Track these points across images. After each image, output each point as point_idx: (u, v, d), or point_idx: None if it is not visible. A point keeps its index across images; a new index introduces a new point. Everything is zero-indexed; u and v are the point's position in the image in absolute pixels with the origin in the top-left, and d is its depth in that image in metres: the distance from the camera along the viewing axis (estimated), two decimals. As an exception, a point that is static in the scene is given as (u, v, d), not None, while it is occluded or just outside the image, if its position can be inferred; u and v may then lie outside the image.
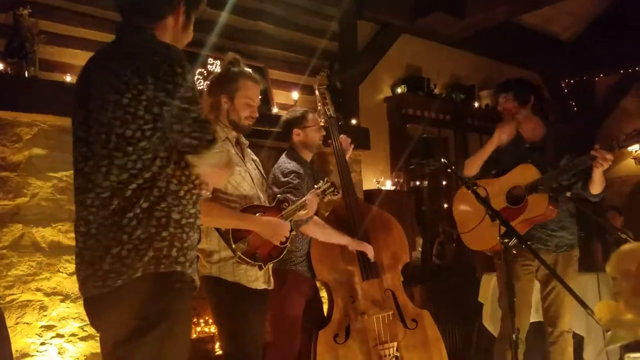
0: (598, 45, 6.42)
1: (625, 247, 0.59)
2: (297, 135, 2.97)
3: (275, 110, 4.09)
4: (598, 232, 4.95)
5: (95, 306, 1.54)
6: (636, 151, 6.78)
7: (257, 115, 2.49)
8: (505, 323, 3.02)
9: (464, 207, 3.19)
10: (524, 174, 2.93)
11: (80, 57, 3.42)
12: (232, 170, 1.81)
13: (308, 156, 3.01)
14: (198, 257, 2.35)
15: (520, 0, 4.95)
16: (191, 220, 1.58)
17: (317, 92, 3.14)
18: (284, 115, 3.13)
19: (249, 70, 2.57)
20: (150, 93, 1.47)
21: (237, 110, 2.42)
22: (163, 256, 1.49)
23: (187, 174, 1.55)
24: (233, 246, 2.25)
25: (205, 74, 3.81)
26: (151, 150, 1.49)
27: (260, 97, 2.54)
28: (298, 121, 2.98)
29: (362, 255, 2.92)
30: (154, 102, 1.48)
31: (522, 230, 2.91)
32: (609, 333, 0.54)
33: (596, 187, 2.89)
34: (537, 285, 3.20)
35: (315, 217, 2.76)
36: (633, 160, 6.84)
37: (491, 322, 4.04)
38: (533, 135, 3.12)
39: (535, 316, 3.73)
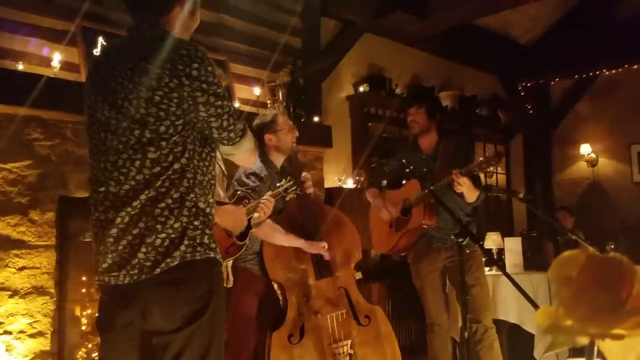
0: (555, 50, 6.60)
1: (566, 253, 0.61)
2: (270, 140, 2.93)
3: (237, 105, 4.05)
4: (549, 232, 5.11)
5: (130, 294, 1.55)
6: (588, 154, 7.03)
7: None
8: (433, 314, 3.37)
9: (373, 216, 3.62)
10: (412, 188, 3.33)
11: (33, 45, 3.31)
12: (256, 152, 1.89)
13: (280, 159, 2.97)
14: None
15: (479, 2, 5.05)
16: (212, 209, 1.65)
17: (266, 89, 3.11)
18: (255, 120, 3.08)
19: None
20: (183, 92, 1.52)
21: None
22: (198, 244, 1.56)
23: (207, 165, 1.62)
24: None
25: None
26: (181, 144, 1.55)
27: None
28: (268, 126, 2.94)
29: (315, 254, 2.92)
30: (185, 99, 1.53)
31: (413, 238, 3.37)
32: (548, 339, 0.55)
33: (468, 198, 3.20)
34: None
35: (269, 220, 2.73)
36: (585, 163, 7.09)
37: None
38: (428, 147, 3.46)
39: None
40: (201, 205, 1.58)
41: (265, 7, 4.47)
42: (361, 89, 5.24)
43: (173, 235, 1.52)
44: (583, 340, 0.58)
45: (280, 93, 3.12)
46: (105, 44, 3.49)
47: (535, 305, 2.04)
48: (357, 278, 3.25)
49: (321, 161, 4.68)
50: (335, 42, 5.05)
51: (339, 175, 4.95)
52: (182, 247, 1.53)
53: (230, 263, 2.42)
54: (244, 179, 2.77)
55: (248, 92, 4.32)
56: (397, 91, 5.50)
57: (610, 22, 6.41)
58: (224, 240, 2.33)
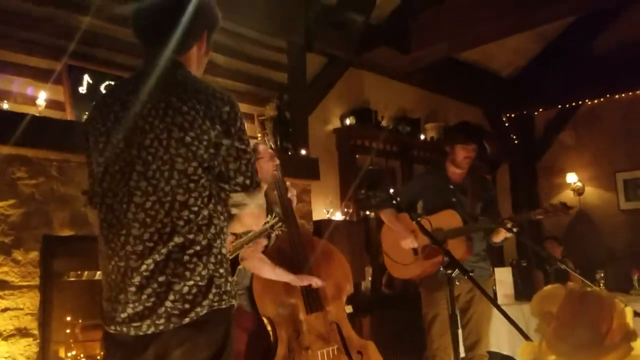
0: (537, 81, 6.74)
1: (547, 288, 0.61)
2: None
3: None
4: (539, 262, 5.11)
5: (149, 340, 1.49)
6: (575, 183, 7.09)
7: None
8: (430, 345, 3.29)
9: (389, 237, 3.50)
10: (449, 219, 3.25)
11: (19, 84, 3.32)
12: (264, 216, 1.81)
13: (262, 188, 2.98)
14: None
15: (460, 37, 5.16)
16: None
17: (256, 122, 3.12)
18: None
19: None
20: (213, 135, 1.51)
21: None
22: (223, 292, 1.54)
23: (222, 211, 1.59)
24: None
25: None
26: (208, 188, 1.54)
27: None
28: None
29: (306, 288, 2.89)
30: (213, 143, 1.52)
31: (434, 267, 3.28)
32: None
33: (498, 240, 3.31)
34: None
35: (259, 254, 2.71)
36: (572, 192, 7.14)
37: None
38: (458, 179, 3.41)
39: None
40: (224, 251, 1.57)
41: (251, 44, 4.54)
42: (348, 121, 5.29)
43: (201, 283, 1.49)
44: (566, 376, 0.57)
45: (269, 128, 3.15)
46: (90, 81, 3.50)
47: (527, 337, 2.02)
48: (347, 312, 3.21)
49: (309, 194, 4.68)
50: (321, 77, 5.12)
51: (327, 208, 4.95)
52: (210, 296, 1.49)
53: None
54: None
55: (235, 127, 4.34)
56: (384, 123, 5.55)
57: (590, 54, 6.57)
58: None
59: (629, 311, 0.61)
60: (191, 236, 1.49)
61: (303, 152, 4.60)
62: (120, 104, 1.58)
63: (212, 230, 1.53)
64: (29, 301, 3.04)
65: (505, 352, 3.76)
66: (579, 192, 7.08)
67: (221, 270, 1.53)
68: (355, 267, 3.66)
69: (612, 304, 0.57)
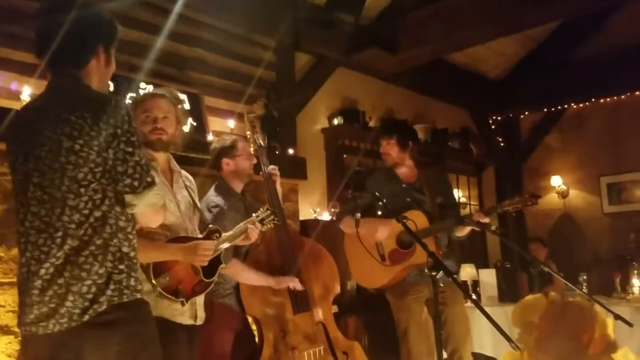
0: (524, 84, 6.78)
1: (528, 298, 0.61)
2: (227, 165, 2.92)
3: (210, 137, 4.04)
4: (523, 264, 5.15)
5: (61, 341, 1.59)
6: (559, 186, 7.16)
7: (161, 126, 2.34)
8: (407, 356, 3.19)
9: (353, 247, 3.31)
10: (415, 220, 3.04)
11: (3, 78, 3.28)
12: (164, 214, 1.89)
13: (239, 186, 2.96)
14: None
15: (447, 39, 5.19)
16: (136, 253, 1.73)
17: (246, 120, 3.10)
18: (214, 143, 3.08)
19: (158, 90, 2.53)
20: (102, 139, 1.60)
21: (140, 127, 2.30)
22: (124, 287, 1.63)
23: (125, 211, 1.69)
24: (153, 281, 2.15)
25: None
26: (100, 191, 1.62)
27: (180, 115, 2.46)
28: (227, 150, 2.92)
29: (292, 288, 2.88)
30: (104, 147, 1.60)
31: (404, 273, 3.17)
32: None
33: (461, 232, 3.24)
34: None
35: (234, 259, 2.69)
36: (556, 195, 7.21)
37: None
38: (409, 177, 3.35)
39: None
40: (125, 249, 1.66)
41: (239, 42, 4.52)
42: (335, 121, 5.29)
43: (99, 282, 1.59)
44: (548, 386, 0.58)
45: (259, 126, 3.13)
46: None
47: (510, 340, 2.03)
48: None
49: (296, 193, 4.67)
50: (309, 76, 5.11)
51: (315, 207, 4.94)
52: (109, 292, 1.59)
53: (199, 300, 2.36)
54: (206, 213, 2.74)
55: (222, 125, 4.32)
56: (371, 124, 5.56)
57: (576, 58, 6.64)
58: (191, 278, 2.26)
59: (610, 322, 0.62)
60: (85, 238, 1.59)
61: (291, 151, 4.59)
62: (24, 121, 1.72)
63: (108, 230, 1.63)
64: (11, 298, 3.00)
65: (488, 354, 3.79)
66: (564, 195, 7.15)
67: (121, 267, 1.63)
68: (342, 268, 3.65)
69: (594, 314, 0.58)
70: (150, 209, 1.72)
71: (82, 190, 1.60)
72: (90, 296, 1.57)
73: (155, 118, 2.34)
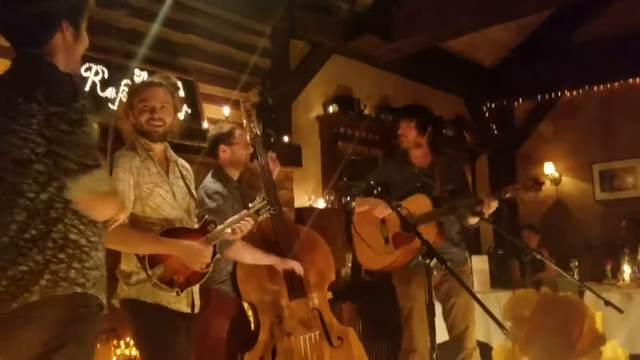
0: (518, 72, 6.80)
1: (519, 292, 0.64)
2: (224, 152, 2.92)
3: (205, 125, 4.04)
4: (515, 251, 5.20)
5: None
6: (552, 173, 7.20)
7: (157, 115, 2.35)
8: (408, 340, 3.21)
9: (360, 227, 3.35)
10: (418, 203, 3.12)
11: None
12: (116, 205, 1.74)
13: (235, 174, 2.97)
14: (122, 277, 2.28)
15: (442, 27, 5.19)
16: (94, 239, 1.60)
17: (242, 109, 3.10)
18: (211, 131, 3.08)
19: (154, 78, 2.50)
20: (42, 117, 1.49)
21: (137, 117, 2.34)
22: (61, 278, 1.50)
23: None
24: (149, 272, 2.17)
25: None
26: (46, 173, 1.51)
27: (185, 106, 2.49)
28: (224, 138, 2.92)
29: (288, 274, 2.91)
30: (45, 125, 1.50)
31: (408, 256, 3.17)
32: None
33: (474, 222, 3.20)
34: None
35: (239, 240, 2.71)
36: (549, 182, 7.26)
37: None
38: (422, 162, 3.33)
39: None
40: (72, 236, 1.54)
41: (234, 28, 4.50)
42: (330, 109, 5.29)
43: (35, 268, 1.48)
44: (538, 379, 0.60)
45: (255, 114, 3.12)
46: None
47: (502, 326, 2.07)
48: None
49: (291, 181, 4.68)
50: (305, 63, 5.10)
51: (309, 195, 4.96)
52: (43, 282, 1.48)
53: (195, 289, 2.38)
54: (206, 200, 2.75)
55: (217, 112, 4.32)
56: (366, 112, 5.57)
57: (570, 46, 6.65)
58: (186, 268, 2.28)
59: (598, 316, 0.64)
60: (28, 221, 1.50)
61: (286, 139, 4.60)
62: None
63: (53, 214, 1.52)
64: None
65: (480, 339, 3.84)
66: (556, 182, 7.20)
67: (61, 256, 1.51)
68: (336, 255, 3.69)
69: (583, 309, 0.60)
70: (89, 196, 1.54)
71: (26, 171, 1.51)
72: (23, 283, 1.47)
73: (153, 108, 2.33)
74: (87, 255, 1.56)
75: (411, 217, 3.10)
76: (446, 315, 3.27)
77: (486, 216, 3.14)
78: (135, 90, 2.40)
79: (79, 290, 1.52)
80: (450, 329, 3.26)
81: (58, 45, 1.66)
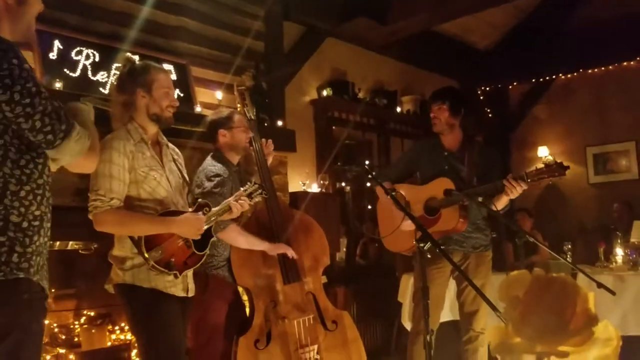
0: (512, 55, 6.77)
1: (514, 274, 0.63)
2: (223, 136, 2.94)
3: (198, 109, 4.01)
4: (508, 234, 5.22)
5: None
6: (546, 156, 7.21)
7: (177, 103, 2.42)
8: (417, 322, 3.20)
9: (385, 211, 3.37)
10: (442, 187, 3.07)
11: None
12: (97, 153, 1.72)
13: (235, 158, 2.99)
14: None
15: (438, 9, 5.15)
16: (36, 223, 1.53)
17: (236, 93, 3.09)
18: (210, 116, 3.08)
19: (154, 63, 2.50)
20: None
21: (158, 101, 2.34)
22: (2, 262, 1.43)
23: (27, 173, 1.49)
24: (146, 255, 2.17)
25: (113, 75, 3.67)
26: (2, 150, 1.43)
27: (178, 92, 2.50)
28: (224, 122, 2.94)
29: (283, 259, 2.91)
30: None
31: (436, 237, 3.03)
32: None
33: (500, 206, 3.09)
34: (452, 284, 3.37)
35: (233, 224, 2.72)
36: (543, 165, 7.26)
37: (409, 320, 4.16)
38: (452, 145, 3.29)
39: (449, 315, 3.91)
40: (14, 219, 1.46)
41: (227, 11, 4.44)
42: (325, 93, 5.27)
43: None
44: (531, 359, 0.60)
45: (249, 98, 3.11)
46: (61, 47, 3.41)
47: (495, 308, 2.08)
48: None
49: (285, 165, 4.66)
50: (299, 47, 5.07)
51: (304, 180, 4.95)
52: None
53: (189, 273, 2.39)
54: (206, 183, 2.75)
55: (210, 96, 4.28)
56: (360, 95, 5.55)
57: (565, 29, 6.62)
58: (183, 251, 2.29)
59: (591, 297, 0.63)
60: None
61: (280, 123, 4.57)
62: None
63: None
64: (1, 271, 3.00)
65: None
66: (550, 165, 7.21)
67: (1, 239, 1.43)
68: (331, 239, 3.69)
69: (577, 290, 0.60)
70: (77, 157, 1.53)
71: None
72: None
73: (173, 95, 2.39)
74: (29, 239, 1.49)
75: (435, 200, 3.10)
76: (459, 295, 3.29)
77: (480, 200, 3.10)
78: (152, 73, 2.35)
79: (22, 275, 1.46)
80: (461, 308, 3.28)
81: (0, 13, 1.53)
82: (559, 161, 2.87)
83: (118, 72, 2.82)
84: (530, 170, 2.91)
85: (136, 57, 3.63)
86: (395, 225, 3.11)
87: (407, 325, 4.21)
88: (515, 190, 2.92)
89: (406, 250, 3.30)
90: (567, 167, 2.85)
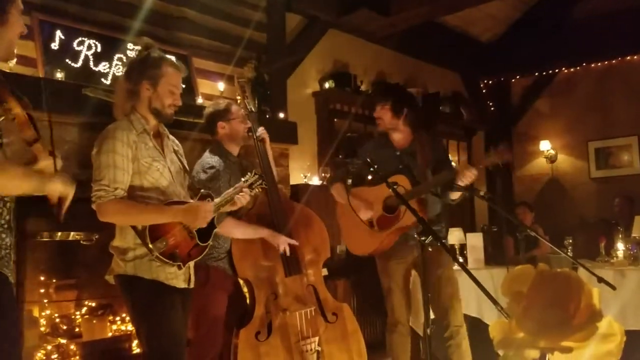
0: (515, 48, 6.75)
1: (517, 268, 0.63)
2: (222, 128, 2.95)
3: (200, 100, 4.00)
4: (509, 228, 5.22)
5: None
6: (548, 150, 7.21)
7: (180, 103, 2.41)
8: (391, 313, 3.26)
9: (345, 216, 3.34)
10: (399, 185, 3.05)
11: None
12: (16, 174, 1.71)
13: (235, 149, 2.99)
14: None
15: (440, 1, 5.14)
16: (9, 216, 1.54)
17: (236, 85, 3.09)
18: (207, 108, 3.08)
19: (170, 56, 2.47)
20: None
21: (161, 97, 2.32)
22: None
23: None
24: (150, 245, 2.17)
25: (125, 60, 3.66)
26: None
27: (182, 86, 2.48)
28: (222, 114, 2.95)
29: (284, 251, 2.92)
30: None
31: (392, 237, 3.18)
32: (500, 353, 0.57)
33: (455, 195, 3.16)
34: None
35: (229, 217, 2.71)
36: (544, 159, 7.26)
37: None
38: (402, 143, 3.29)
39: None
40: None
41: (229, 1, 4.42)
42: (326, 85, 5.24)
43: None
44: (534, 354, 0.60)
45: (249, 90, 3.11)
46: (63, 37, 3.40)
47: (495, 302, 2.08)
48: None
49: (287, 158, 4.66)
50: (300, 38, 5.04)
51: (305, 172, 4.95)
52: None
53: (191, 264, 2.39)
54: (202, 175, 2.76)
55: (211, 88, 4.27)
56: (362, 88, 5.52)
57: (568, 22, 6.59)
58: (187, 242, 2.28)
59: (595, 292, 0.63)
60: None
61: (281, 115, 4.56)
62: None
63: None
64: (2, 261, 3.01)
65: (473, 315, 3.87)
66: (552, 159, 7.21)
67: None
68: (331, 231, 3.69)
69: (581, 284, 0.59)
70: None
71: None
72: None
73: (178, 95, 2.38)
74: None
75: (392, 199, 3.11)
76: (428, 289, 3.26)
77: (482, 193, 3.12)
78: (162, 68, 2.33)
79: None
80: (433, 303, 3.18)
81: None
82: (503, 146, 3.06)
83: (132, 56, 2.78)
84: (485, 158, 3.02)
85: (137, 48, 3.67)
86: (358, 227, 3.17)
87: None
88: (468, 177, 2.99)
89: (371, 251, 3.28)
90: (509, 153, 3.06)
